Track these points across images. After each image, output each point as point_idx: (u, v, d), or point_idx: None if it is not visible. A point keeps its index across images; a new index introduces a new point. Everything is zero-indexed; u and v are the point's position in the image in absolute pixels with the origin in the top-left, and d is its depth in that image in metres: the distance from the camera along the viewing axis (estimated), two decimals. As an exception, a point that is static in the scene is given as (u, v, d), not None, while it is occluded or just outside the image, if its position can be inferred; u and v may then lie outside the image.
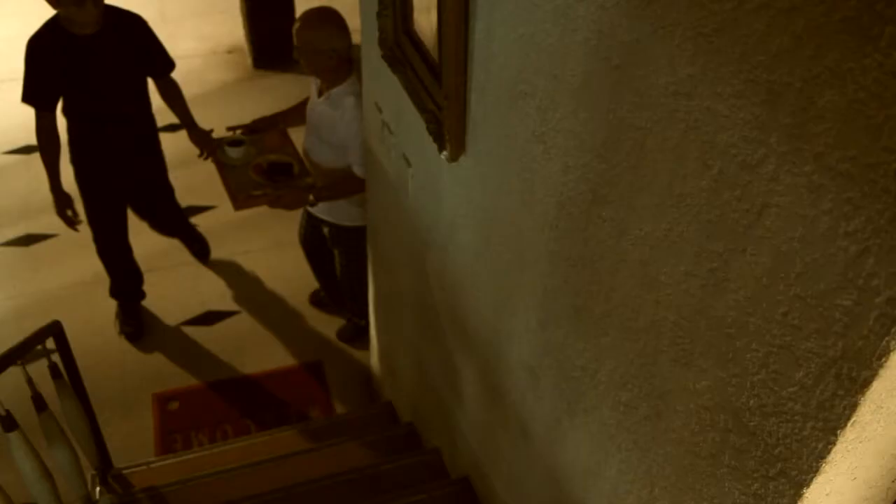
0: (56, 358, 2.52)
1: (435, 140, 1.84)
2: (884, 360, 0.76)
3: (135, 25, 3.07)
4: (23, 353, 2.38)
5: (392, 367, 3.25)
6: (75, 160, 3.26)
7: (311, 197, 2.98)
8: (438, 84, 1.76)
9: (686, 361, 1.08)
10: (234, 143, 3.21)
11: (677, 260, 1.06)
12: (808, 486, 0.89)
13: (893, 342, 0.74)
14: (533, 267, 1.55)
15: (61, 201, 3.18)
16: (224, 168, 3.17)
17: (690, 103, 0.96)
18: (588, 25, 1.15)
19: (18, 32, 5.81)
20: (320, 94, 2.94)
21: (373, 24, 2.18)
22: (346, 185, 2.99)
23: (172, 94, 3.34)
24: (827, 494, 0.90)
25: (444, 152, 1.81)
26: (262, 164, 3.16)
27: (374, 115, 2.63)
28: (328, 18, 2.77)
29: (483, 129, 1.66)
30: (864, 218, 0.74)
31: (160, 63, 3.22)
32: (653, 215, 1.10)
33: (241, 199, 3.00)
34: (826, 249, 0.80)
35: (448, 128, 1.76)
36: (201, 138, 3.32)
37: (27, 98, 3.02)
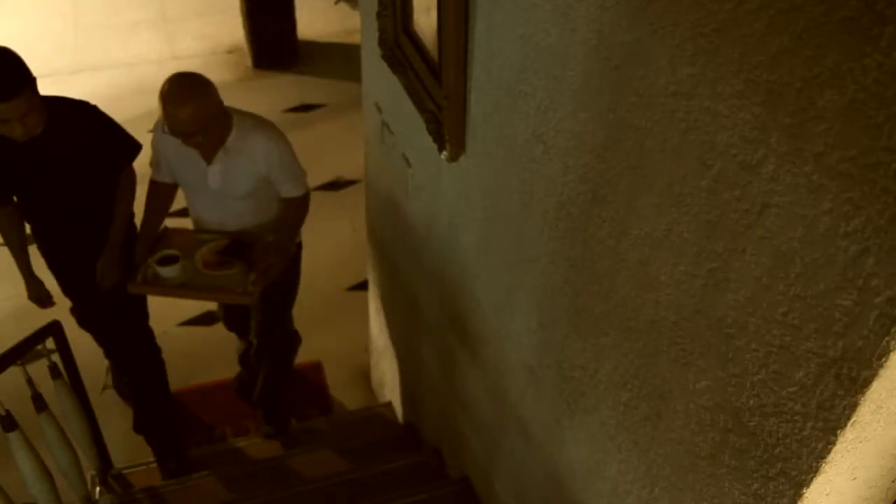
0: (56, 358, 2.52)
1: (435, 140, 1.84)
2: (884, 360, 0.76)
3: (81, 120, 2.58)
4: (23, 353, 2.38)
5: (392, 368, 3.25)
6: (46, 263, 2.86)
7: (285, 247, 2.68)
8: (438, 84, 1.76)
9: (686, 361, 1.08)
10: (166, 260, 2.63)
11: (677, 260, 1.06)
12: (808, 486, 0.89)
13: (893, 342, 0.74)
14: (533, 267, 1.55)
15: (32, 288, 2.83)
16: (171, 289, 2.64)
17: (690, 103, 0.96)
18: (588, 25, 1.15)
19: (18, 32, 5.83)
20: (208, 161, 2.54)
21: (373, 24, 2.18)
22: (294, 214, 2.70)
23: (121, 189, 2.74)
24: (827, 494, 0.90)
25: (444, 152, 1.81)
26: (211, 259, 2.67)
27: (374, 115, 2.63)
28: (193, 85, 2.36)
29: (483, 129, 1.66)
30: (864, 218, 0.74)
31: (117, 153, 2.69)
32: (653, 215, 1.10)
33: (250, 292, 2.60)
34: (826, 249, 0.80)
35: (448, 128, 1.76)
36: (107, 264, 2.70)
37: None
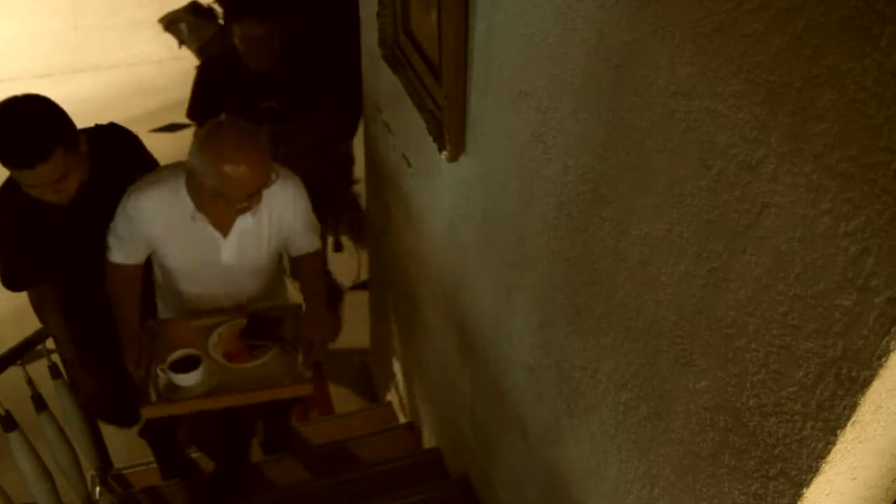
0: (56, 358, 2.51)
1: (435, 140, 1.84)
2: (884, 360, 0.76)
3: (127, 164, 2.11)
4: (23, 353, 2.38)
5: (392, 368, 3.25)
6: (76, 355, 2.39)
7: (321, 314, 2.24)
8: (438, 84, 1.75)
9: (686, 361, 1.08)
10: (184, 364, 2.05)
11: (677, 260, 1.06)
12: (807, 486, 0.89)
13: (893, 342, 0.74)
14: (533, 267, 1.55)
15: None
16: (201, 400, 2.05)
17: (690, 103, 0.96)
18: (588, 25, 1.15)
19: (17, 33, 5.84)
20: (224, 233, 2.07)
21: (373, 24, 2.18)
22: (321, 271, 2.35)
23: None
24: (827, 494, 0.90)
25: (444, 152, 1.81)
26: (236, 348, 2.13)
27: (375, 115, 2.63)
28: (245, 130, 1.88)
29: (483, 129, 1.66)
30: (864, 218, 0.74)
31: None
32: (653, 215, 1.10)
33: (307, 378, 2.11)
34: (826, 249, 0.80)
35: (448, 128, 1.76)
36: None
37: (5, 283, 2.24)
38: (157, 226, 2.03)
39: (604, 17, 1.11)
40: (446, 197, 2.01)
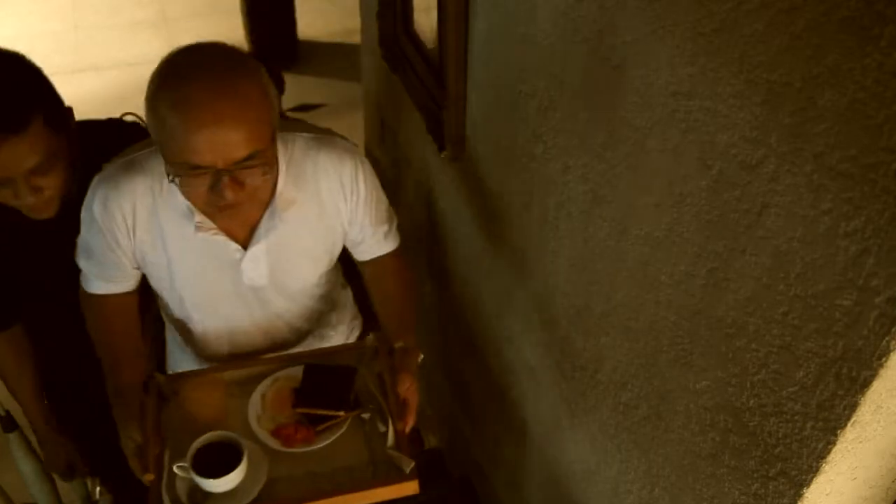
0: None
1: (435, 140, 1.84)
2: (884, 360, 0.76)
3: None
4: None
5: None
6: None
7: (419, 355, 1.51)
8: (438, 84, 1.76)
9: (686, 361, 1.08)
10: (214, 460, 1.27)
11: (677, 260, 1.06)
12: (808, 486, 0.89)
13: (893, 342, 0.74)
14: (533, 267, 1.55)
15: (52, 451, 1.93)
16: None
17: (690, 103, 0.96)
18: (588, 25, 1.15)
19: (17, 33, 5.83)
20: (244, 243, 1.37)
21: (373, 24, 2.18)
22: (410, 280, 1.60)
23: None
24: (827, 494, 0.90)
25: (444, 152, 1.81)
26: (293, 422, 1.38)
27: (374, 114, 2.63)
28: (234, 63, 1.20)
29: (483, 129, 1.66)
30: (864, 218, 0.74)
31: None
32: (653, 215, 1.10)
33: (406, 464, 1.40)
34: (826, 249, 0.80)
35: (448, 128, 1.76)
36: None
37: None
38: (142, 234, 1.35)
39: (604, 17, 1.11)
40: (446, 197, 2.01)
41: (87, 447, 1.89)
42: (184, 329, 1.56)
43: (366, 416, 1.40)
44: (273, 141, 1.22)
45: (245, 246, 1.37)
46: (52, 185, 1.38)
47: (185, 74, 1.14)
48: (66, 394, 1.83)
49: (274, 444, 1.36)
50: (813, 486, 0.89)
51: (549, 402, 1.62)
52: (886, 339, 0.75)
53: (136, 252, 1.39)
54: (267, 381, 1.45)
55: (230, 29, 5.82)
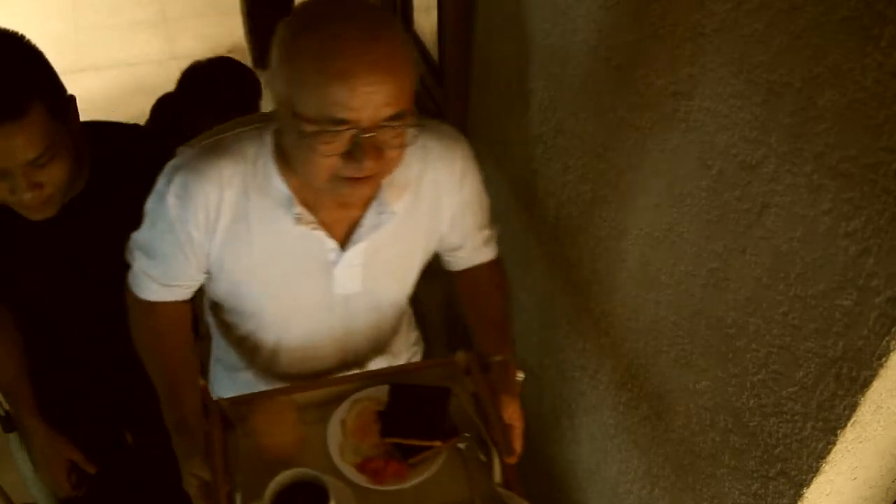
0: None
1: (435, 140, 1.84)
2: (884, 360, 0.76)
3: (140, 173, 1.21)
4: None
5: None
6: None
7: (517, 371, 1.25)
8: (438, 84, 1.76)
9: (686, 361, 1.08)
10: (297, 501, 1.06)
11: (677, 260, 1.06)
12: (808, 486, 0.89)
13: (893, 342, 0.74)
14: (533, 267, 1.55)
15: (49, 445, 1.80)
16: None
17: (690, 103, 0.96)
18: (588, 25, 1.15)
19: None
20: (342, 242, 1.18)
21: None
22: (507, 291, 1.36)
23: None
24: (827, 494, 0.90)
25: (444, 152, 1.81)
26: (375, 455, 1.18)
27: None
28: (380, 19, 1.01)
29: (483, 129, 1.66)
30: (864, 218, 0.74)
31: None
32: (653, 215, 1.10)
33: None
34: (826, 249, 0.80)
35: (448, 128, 1.76)
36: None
37: None
38: (225, 230, 1.15)
39: (604, 17, 1.11)
40: (446, 197, 2.01)
41: (100, 471, 1.73)
42: (247, 346, 1.33)
43: (461, 444, 1.20)
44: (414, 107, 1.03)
45: (342, 246, 1.18)
46: (52, 180, 1.24)
47: (333, 19, 0.97)
48: (70, 409, 1.72)
49: (361, 480, 1.16)
50: (813, 486, 0.89)
51: (549, 402, 1.62)
52: (886, 339, 0.75)
53: (211, 253, 1.16)
54: (345, 405, 1.24)
55: (230, 29, 5.82)
